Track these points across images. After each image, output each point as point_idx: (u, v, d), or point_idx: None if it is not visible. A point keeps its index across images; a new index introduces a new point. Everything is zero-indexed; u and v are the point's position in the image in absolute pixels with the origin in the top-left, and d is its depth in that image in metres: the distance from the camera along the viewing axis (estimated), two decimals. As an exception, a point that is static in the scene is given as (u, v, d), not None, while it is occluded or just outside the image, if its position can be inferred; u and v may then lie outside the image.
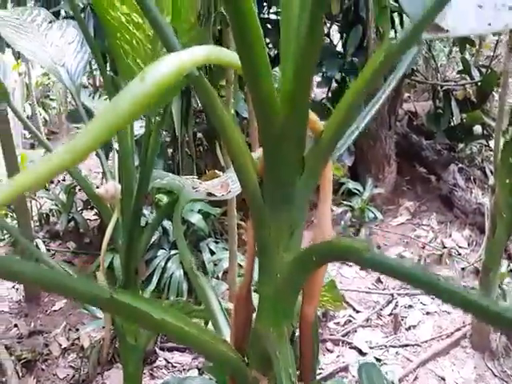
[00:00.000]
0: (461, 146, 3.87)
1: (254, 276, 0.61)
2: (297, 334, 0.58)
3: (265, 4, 3.44)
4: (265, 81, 0.44)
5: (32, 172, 0.35)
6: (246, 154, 0.51)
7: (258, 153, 1.15)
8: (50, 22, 1.26)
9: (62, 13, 3.26)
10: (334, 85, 3.74)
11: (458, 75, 4.10)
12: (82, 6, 2.92)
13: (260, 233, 0.54)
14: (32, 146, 5.55)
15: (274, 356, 0.53)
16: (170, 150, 3.34)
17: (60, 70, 1.15)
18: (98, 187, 1.17)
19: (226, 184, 1.13)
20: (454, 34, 0.62)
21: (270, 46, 3.51)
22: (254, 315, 0.59)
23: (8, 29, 1.17)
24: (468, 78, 3.87)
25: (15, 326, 2.64)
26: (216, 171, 1.26)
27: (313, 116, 0.51)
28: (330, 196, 0.55)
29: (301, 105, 0.47)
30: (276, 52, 3.57)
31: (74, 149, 0.36)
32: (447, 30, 0.61)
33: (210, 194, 1.10)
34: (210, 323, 0.78)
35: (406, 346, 2.37)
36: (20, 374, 2.33)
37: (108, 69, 3.18)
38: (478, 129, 3.74)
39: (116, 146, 1.21)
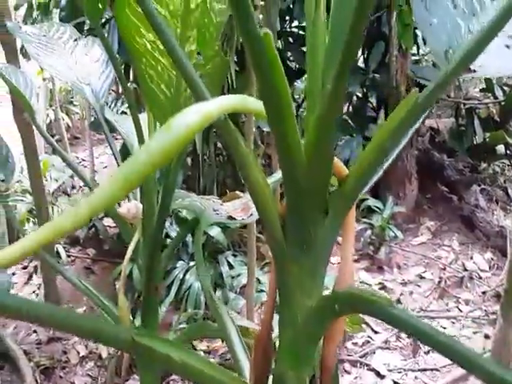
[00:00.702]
0: (483, 165, 3.82)
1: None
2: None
3: (287, 18, 3.45)
4: (290, 131, 0.43)
5: (71, 214, 0.35)
6: (268, 197, 0.51)
7: (279, 174, 1.15)
8: (76, 40, 1.27)
9: (87, 21, 3.31)
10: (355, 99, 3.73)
11: (481, 93, 4.05)
12: (107, 17, 2.96)
13: (281, 275, 0.54)
14: (54, 151, 5.62)
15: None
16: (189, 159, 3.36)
17: (85, 88, 1.17)
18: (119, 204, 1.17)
19: (247, 207, 1.13)
20: (481, 74, 0.61)
21: (292, 58, 3.52)
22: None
23: (35, 46, 1.19)
24: (491, 96, 3.83)
25: (34, 331, 2.67)
26: (237, 192, 1.25)
27: (337, 161, 0.51)
28: (352, 241, 0.54)
29: (325, 154, 0.47)
30: (297, 66, 3.57)
31: (102, 194, 0.36)
32: (474, 70, 0.60)
33: (230, 218, 1.10)
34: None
35: (425, 370, 2.33)
36: (38, 381, 2.35)
37: (131, 79, 3.23)
38: (501, 148, 3.70)
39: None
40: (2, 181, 1.13)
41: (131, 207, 1.06)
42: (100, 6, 0.89)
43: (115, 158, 1.17)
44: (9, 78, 1.03)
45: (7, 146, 1.20)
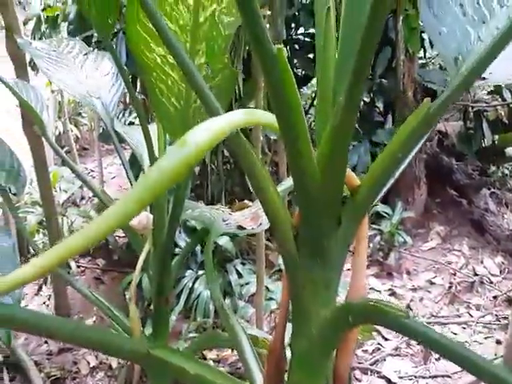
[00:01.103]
0: (493, 168, 3.80)
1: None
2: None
3: (293, 25, 3.46)
4: (303, 144, 0.44)
5: (84, 233, 0.36)
6: (280, 208, 0.51)
7: (287, 182, 1.15)
8: (85, 54, 1.29)
9: (96, 34, 3.34)
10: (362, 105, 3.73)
11: (489, 96, 4.04)
12: (115, 29, 2.99)
13: (294, 286, 0.54)
14: (63, 162, 5.66)
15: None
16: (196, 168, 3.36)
17: (95, 102, 1.18)
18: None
19: (257, 216, 1.13)
20: (492, 82, 0.61)
21: (298, 65, 3.53)
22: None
23: (45, 61, 1.21)
24: (499, 99, 3.81)
25: (45, 342, 2.68)
26: (246, 201, 1.26)
27: (349, 172, 0.51)
28: (365, 251, 0.54)
29: (338, 166, 0.47)
30: (303, 72, 3.58)
31: (117, 212, 0.37)
32: (484, 78, 0.60)
33: (240, 227, 1.11)
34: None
35: (436, 376, 2.31)
36: (49, 392, 2.36)
37: (138, 90, 3.26)
38: (510, 151, 3.68)
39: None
40: (14, 194, 1.14)
41: (142, 218, 1.06)
42: (110, 21, 0.90)
43: (125, 169, 1.18)
44: (19, 93, 1.05)
45: (18, 159, 1.21)
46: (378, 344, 2.53)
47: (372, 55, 0.42)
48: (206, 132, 0.39)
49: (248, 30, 0.37)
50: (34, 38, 3.79)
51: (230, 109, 0.48)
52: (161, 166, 0.38)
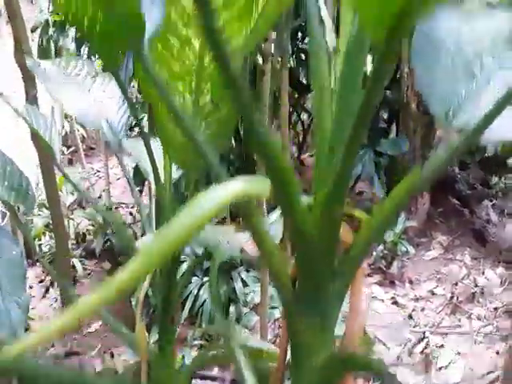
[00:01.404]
0: (495, 179, 3.82)
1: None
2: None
3: (299, 35, 3.48)
4: (296, 208, 0.47)
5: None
6: (279, 261, 0.54)
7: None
8: (94, 77, 1.31)
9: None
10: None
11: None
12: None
13: (292, 329, 0.57)
14: (70, 162, 5.74)
15: None
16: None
17: (103, 124, 1.21)
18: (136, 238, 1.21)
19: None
20: (487, 141, 0.64)
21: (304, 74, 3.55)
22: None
23: (54, 83, 1.23)
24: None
25: (52, 345, 2.72)
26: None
27: (344, 227, 0.54)
28: (360, 299, 0.57)
29: (333, 224, 0.50)
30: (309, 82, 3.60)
31: (124, 277, 0.40)
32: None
33: (243, 251, 1.13)
34: None
35: (437, 385, 2.34)
36: (55, 396, 2.40)
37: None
38: (512, 162, 3.70)
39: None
40: (24, 214, 1.18)
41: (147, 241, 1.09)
42: (118, 53, 0.93)
43: (126, 178, 1.20)
44: (30, 121, 1.08)
45: (27, 178, 1.24)
46: (380, 353, 2.55)
47: (367, 126, 0.45)
48: (209, 203, 0.42)
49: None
50: (42, 42, 3.83)
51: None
52: (165, 235, 0.41)
